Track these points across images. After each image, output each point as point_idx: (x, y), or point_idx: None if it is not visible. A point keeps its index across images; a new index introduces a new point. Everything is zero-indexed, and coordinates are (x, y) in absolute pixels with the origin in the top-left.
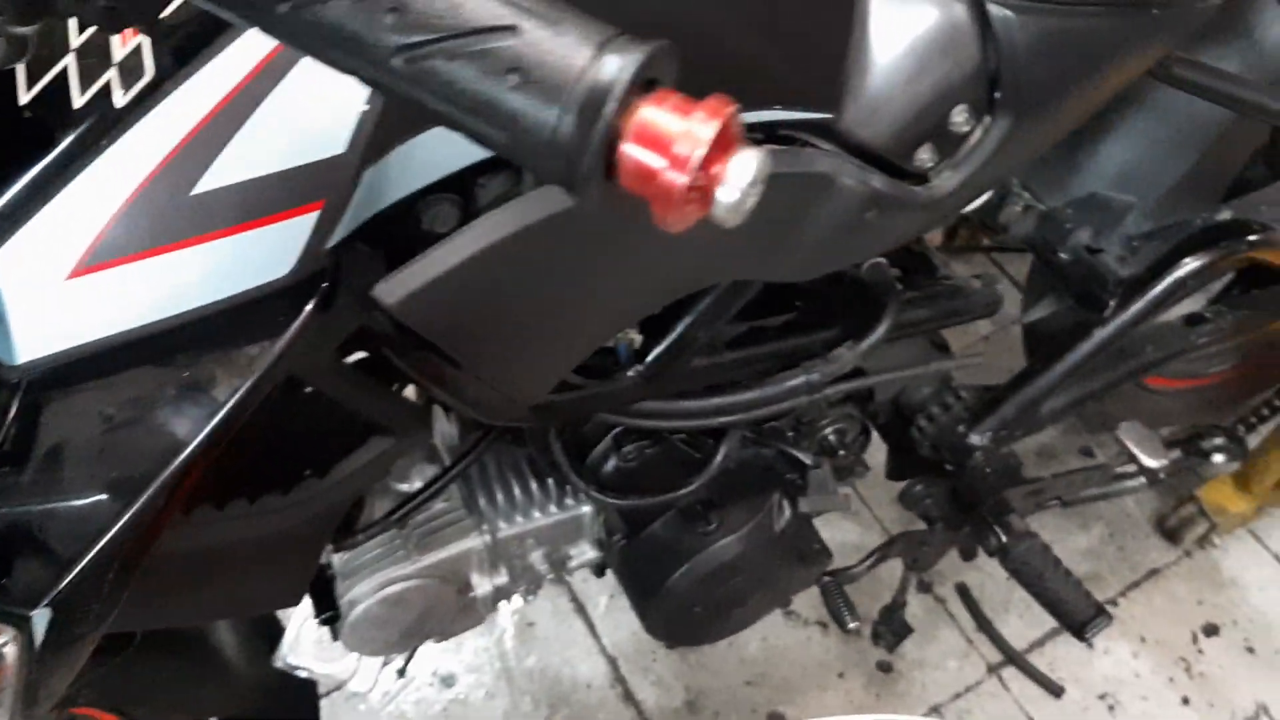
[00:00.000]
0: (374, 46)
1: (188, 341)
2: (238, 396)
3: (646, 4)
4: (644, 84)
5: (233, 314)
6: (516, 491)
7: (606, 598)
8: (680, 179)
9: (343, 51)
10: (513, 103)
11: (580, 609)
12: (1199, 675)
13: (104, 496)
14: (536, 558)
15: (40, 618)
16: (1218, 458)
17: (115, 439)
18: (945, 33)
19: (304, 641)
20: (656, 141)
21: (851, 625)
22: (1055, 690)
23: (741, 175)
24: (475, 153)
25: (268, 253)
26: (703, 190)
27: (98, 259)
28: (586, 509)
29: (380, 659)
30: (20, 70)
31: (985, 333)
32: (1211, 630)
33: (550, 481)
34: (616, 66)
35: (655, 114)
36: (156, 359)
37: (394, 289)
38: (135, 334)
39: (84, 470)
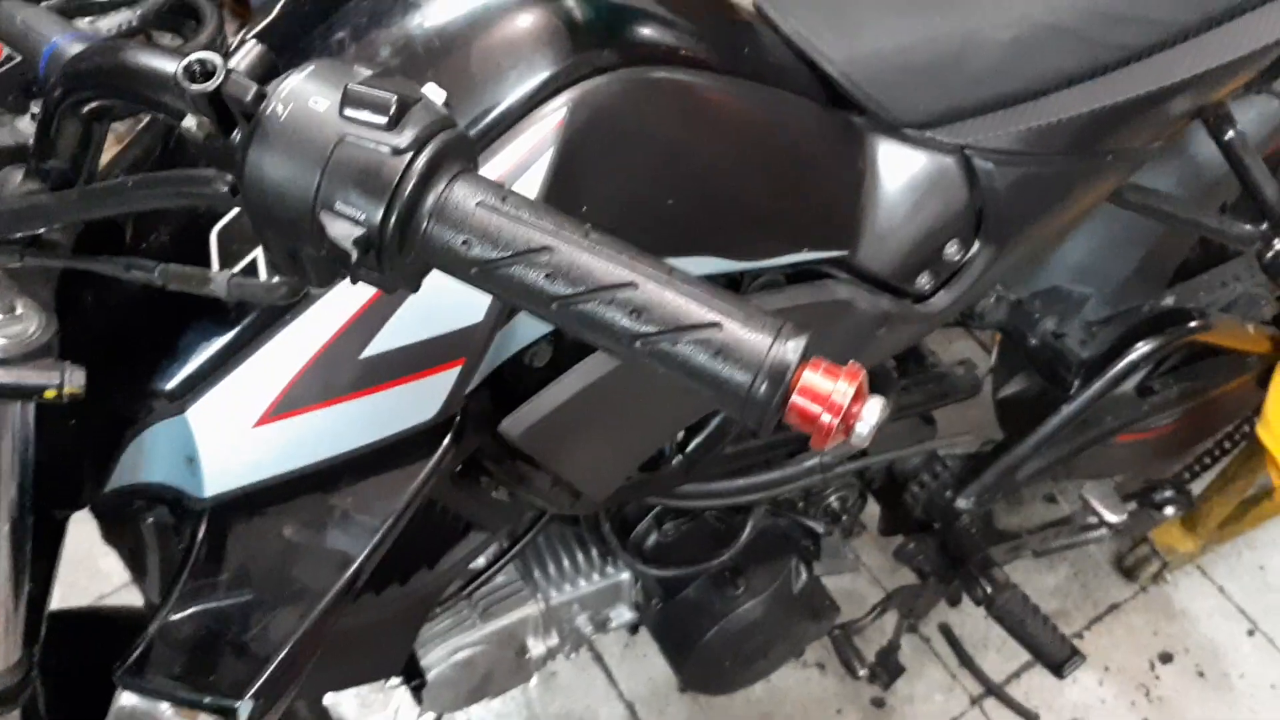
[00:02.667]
0: (620, 332)
1: (351, 473)
2: (394, 516)
3: (703, 177)
4: (805, 359)
5: (388, 450)
6: (566, 563)
7: (621, 648)
8: (833, 422)
9: (596, 333)
10: (720, 372)
11: (598, 659)
12: (1157, 699)
13: (288, 603)
14: (582, 620)
15: (244, 707)
16: (1168, 509)
17: (294, 556)
18: (939, 182)
19: (347, 695)
20: (816, 397)
21: (862, 672)
22: (1032, 717)
23: (871, 416)
24: None
25: (418, 401)
26: (846, 427)
27: (280, 410)
28: (625, 575)
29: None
30: (214, 253)
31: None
32: (1166, 658)
33: (593, 552)
34: (793, 348)
35: (814, 378)
36: (324, 488)
37: (518, 424)
38: (307, 470)
39: (269, 582)
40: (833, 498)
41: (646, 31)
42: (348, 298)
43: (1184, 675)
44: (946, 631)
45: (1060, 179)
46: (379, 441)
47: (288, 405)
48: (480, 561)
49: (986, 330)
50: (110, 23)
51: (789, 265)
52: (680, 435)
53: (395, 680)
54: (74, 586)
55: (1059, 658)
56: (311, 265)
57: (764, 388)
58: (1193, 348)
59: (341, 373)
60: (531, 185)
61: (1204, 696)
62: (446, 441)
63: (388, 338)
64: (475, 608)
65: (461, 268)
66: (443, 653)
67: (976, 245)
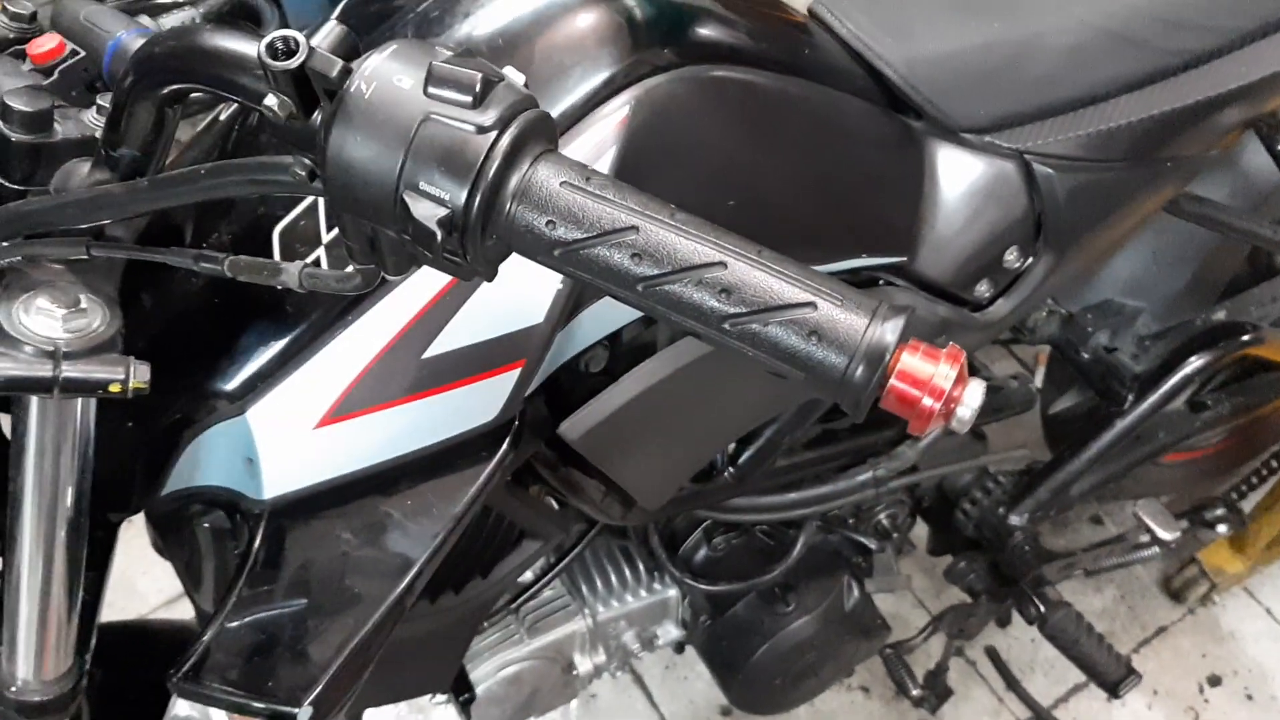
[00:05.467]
0: (709, 313)
1: (410, 476)
2: (453, 520)
3: (763, 177)
4: (904, 338)
5: (448, 452)
6: (613, 578)
7: (662, 669)
8: (936, 405)
9: (684, 315)
10: (814, 354)
11: (638, 680)
12: None
13: (346, 609)
14: (629, 637)
15: (302, 715)
16: (1221, 527)
17: (352, 560)
18: (998, 188)
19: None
20: (916, 381)
21: (915, 692)
22: None
23: (973, 400)
24: (628, 315)
25: (478, 403)
26: (947, 411)
27: (342, 412)
28: (673, 592)
29: None
30: (277, 252)
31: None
32: (1215, 681)
33: (641, 568)
34: (891, 329)
35: (913, 360)
36: (384, 491)
37: (577, 426)
38: (366, 472)
39: (327, 587)
40: (883, 515)
41: (707, 31)
42: (410, 298)
43: (1233, 698)
44: (993, 654)
45: (1120, 185)
46: (439, 444)
47: (349, 407)
48: (528, 576)
49: (1035, 346)
50: (171, 20)
51: (846, 271)
52: (732, 447)
53: (441, 697)
54: (111, 606)
55: (1114, 677)
56: (390, 251)
57: (861, 370)
58: (1244, 363)
59: (403, 374)
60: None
61: (1253, 719)
62: (505, 445)
63: (449, 338)
64: (523, 622)
65: (545, 250)
66: (490, 668)
67: (1036, 252)
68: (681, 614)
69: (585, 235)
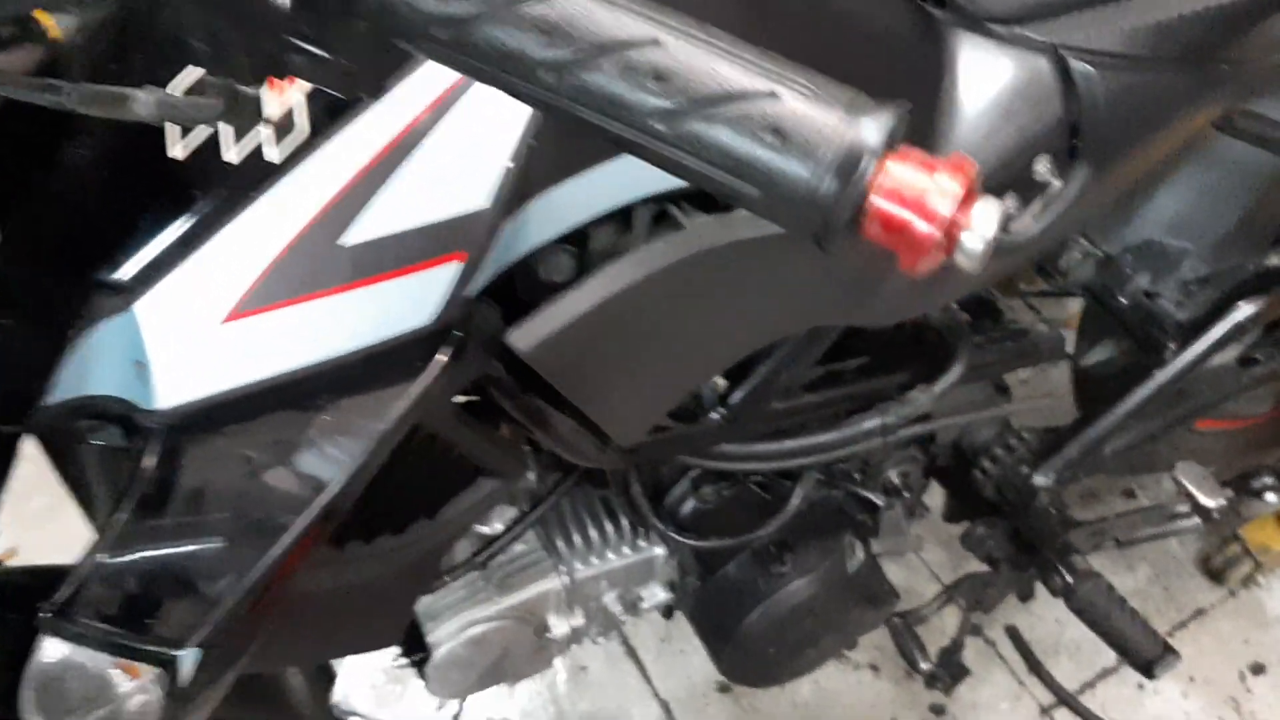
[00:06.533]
0: (637, 111)
1: (329, 386)
2: (376, 440)
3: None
4: (890, 141)
5: (374, 359)
6: (593, 533)
7: (658, 642)
8: (931, 230)
9: (606, 115)
10: (771, 162)
11: (632, 653)
12: (1249, 714)
13: (247, 539)
14: (610, 599)
15: (187, 658)
16: (1270, 496)
17: (256, 483)
18: (1030, 87)
19: (360, 686)
20: (906, 196)
21: (924, 666)
22: None
23: (985, 224)
24: (596, 207)
25: (412, 301)
26: (949, 239)
27: (246, 308)
28: (659, 550)
29: (435, 705)
30: (171, 127)
31: (1023, 376)
32: (1259, 669)
33: (624, 523)
34: (869, 126)
35: (904, 170)
36: (297, 403)
37: (527, 335)
38: (279, 380)
39: (226, 513)
40: (893, 471)
41: None
42: (326, 174)
43: (1278, 688)
44: (1014, 634)
45: (1169, 90)
46: (363, 349)
47: (254, 302)
48: (498, 526)
49: (1067, 294)
50: None
51: None
52: (723, 385)
53: (404, 661)
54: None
55: (1149, 655)
56: (242, 51)
57: (831, 182)
58: None
59: (319, 263)
60: None
61: None
62: (445, 356)
63: (374, 222)
64: (491, 579)
65: (420, 28)
66: (453, 627)
67: (1072, 164)
68: (669, 574)
69: (472, 8)
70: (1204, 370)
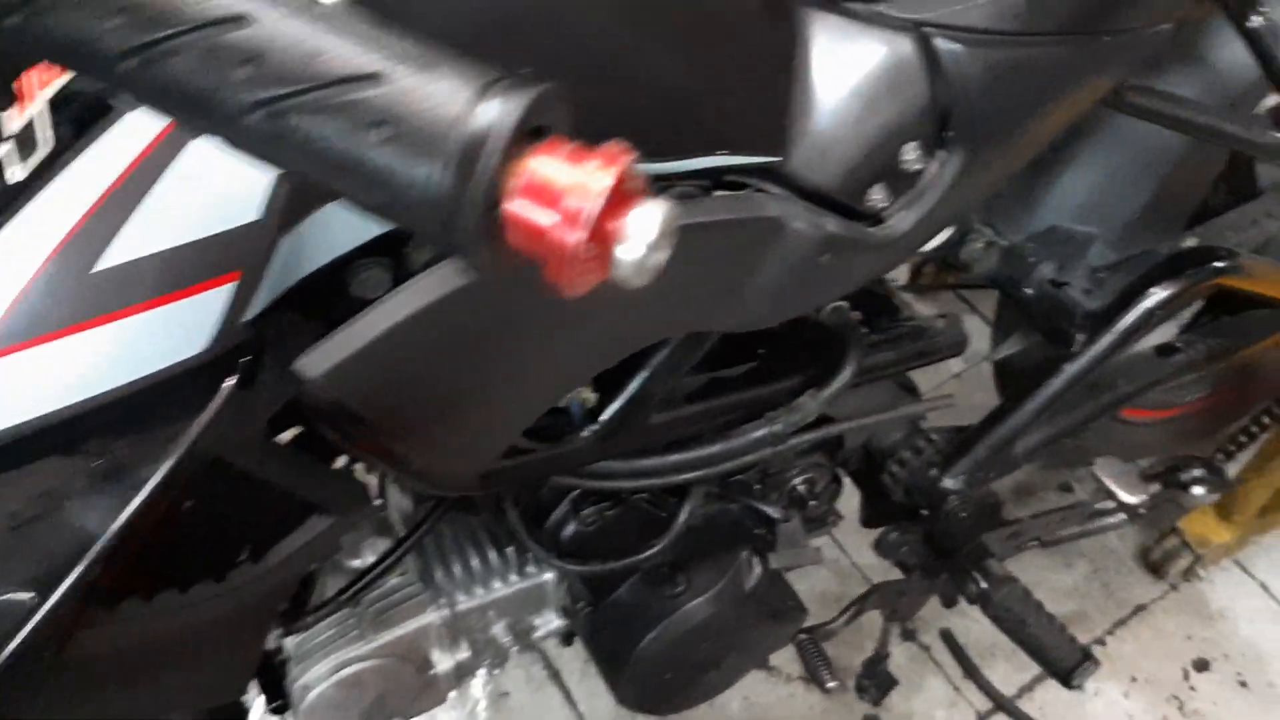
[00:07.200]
0: (227, 103)
1: (99, 428)
2: (154, 483)
3: (578, 53)
4: (531, 132)
5: (146, 395)
6: (474, 562)
7: (582, 663)
8: (573, 236)
9: (195, 109)
10: (382, 158)
11: (555, 676)
12: (1192, 713)
13: (17, 594)
14: (499, 630)
15: None
16: (1197, 489)
17: (25, 535)
18: (892, 70)
19: None
20: (546, 195)
21: (830, 684)
22: None
23: (644, 230)
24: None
25: (181, 329)
26: (601, 248)
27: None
28: (549, 576)
29: None
30: None
31: (956, 371)
32: (1202, 665)
33: (510, 549)
34: (496, 113)
35: (544, 165)
36: (65, 448)
37: (317, 362)
38: (40, 423)
39: None
40: (798, 480)
41: None
42: (71, 195)
43: (1224, 685)
44: (949, 638)
45: (1045, 65)
46: (134, 385)
47: (5, 339)
48: (368, 559)
49: (980, 288)
50: None
51: (704, 171)
52: (592, 399)
53: (261, 707)
54: None
55: (1068, 664)
56: None
57: (451, 181)
58: (1221, 297)
59: (71, 294)
60: None
61: (1247, 710)
62: (230, 384)
63: (130, 244)
64: (363, 616)
65: None
66: (324, 669)
67: (943, 150)
68: (561, 601)
69: None
70: (1118, 361)
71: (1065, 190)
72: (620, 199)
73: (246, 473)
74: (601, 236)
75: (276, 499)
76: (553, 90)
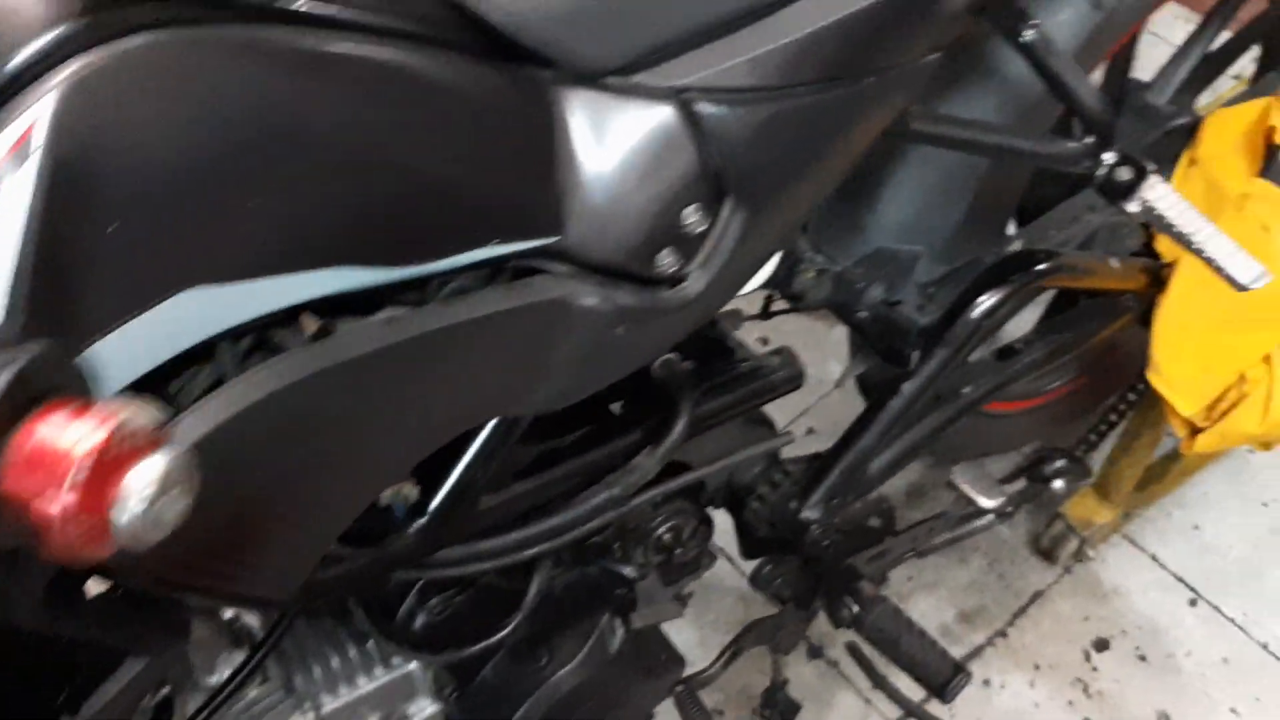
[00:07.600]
0: None
1: None
2: None
3: (326, 159)
4: (30, 399)
5: None
6: (334, 661)
7: None
8: (56, 506)
9: None
10: None
11: None
12: (1097, 694)
13: None
14: None
15: None
16: (1058, 482)
17: None
18: (658, 139)
19: None
20: (35, 465)
21: None
22: None
23: (141, 489)
24: (157, 354)
25: None
26: (95, 514)
27: None
28: (414, 664)
29: None
30: None
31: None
32: (1102, 645)
33: (371, 643)
34: None
35: (39, 433)
36: None
37: None
38: None
39: None
40: (662, 530)
41: None
42: None
43: (1124, 662)
44: (854, 651)
45: (813, 113)
46: None
47: None
48: (224, 674)
49: (818, 311)
50: None
51: (478, 264)
52: (414, 494)
53: None
54: None
55: (941, 678)
56: None
57: None
58: (1063, 297)
59: None
60: (13, 211)
61: (1149, 683)
62: None
63: None
64: None
65: None
66: None
67: (724, 208)
68: (431, 687)
69: None
70: (960, 370)
71: (885, 212)
72: (118, 458)
73: (27, 631)
74: (96, 501)
75: (80, 649)
76: (46, 352)
